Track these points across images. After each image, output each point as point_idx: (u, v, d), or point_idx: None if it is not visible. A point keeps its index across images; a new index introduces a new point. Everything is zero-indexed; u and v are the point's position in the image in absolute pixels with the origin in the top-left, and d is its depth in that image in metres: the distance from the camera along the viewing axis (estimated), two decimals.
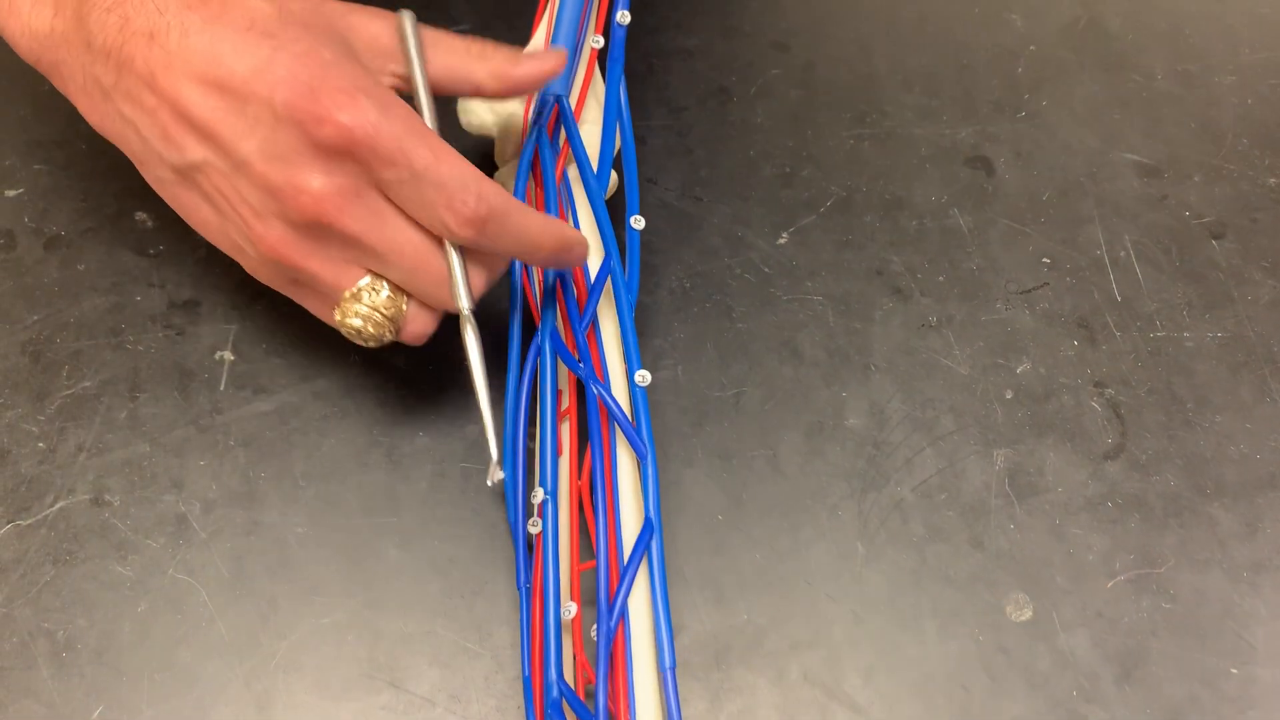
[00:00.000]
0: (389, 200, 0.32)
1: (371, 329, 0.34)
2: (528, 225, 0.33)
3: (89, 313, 0.40)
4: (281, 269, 0.33)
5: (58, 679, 0.34)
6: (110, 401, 0.38)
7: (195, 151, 0.32)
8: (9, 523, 0.36)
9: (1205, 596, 0.36)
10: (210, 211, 0.33)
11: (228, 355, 0.39)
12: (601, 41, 0.41)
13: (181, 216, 0.35)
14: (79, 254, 0.41)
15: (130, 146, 0.33)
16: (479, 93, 0.36)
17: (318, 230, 0.32)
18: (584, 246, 0.35)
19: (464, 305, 0.33)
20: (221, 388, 0.39)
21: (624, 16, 0.41)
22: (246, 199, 0.32)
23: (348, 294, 0.33)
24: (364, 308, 0.33)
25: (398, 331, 0.34)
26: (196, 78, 0.31)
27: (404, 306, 0.34)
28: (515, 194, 0.39)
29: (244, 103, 0.30)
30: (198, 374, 0.39)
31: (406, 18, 0.35)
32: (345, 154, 0.30)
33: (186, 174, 0.32)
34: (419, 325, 0.35)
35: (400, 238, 0.32)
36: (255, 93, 0.30)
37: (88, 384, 0.39)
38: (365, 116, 0.30)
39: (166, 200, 0.35)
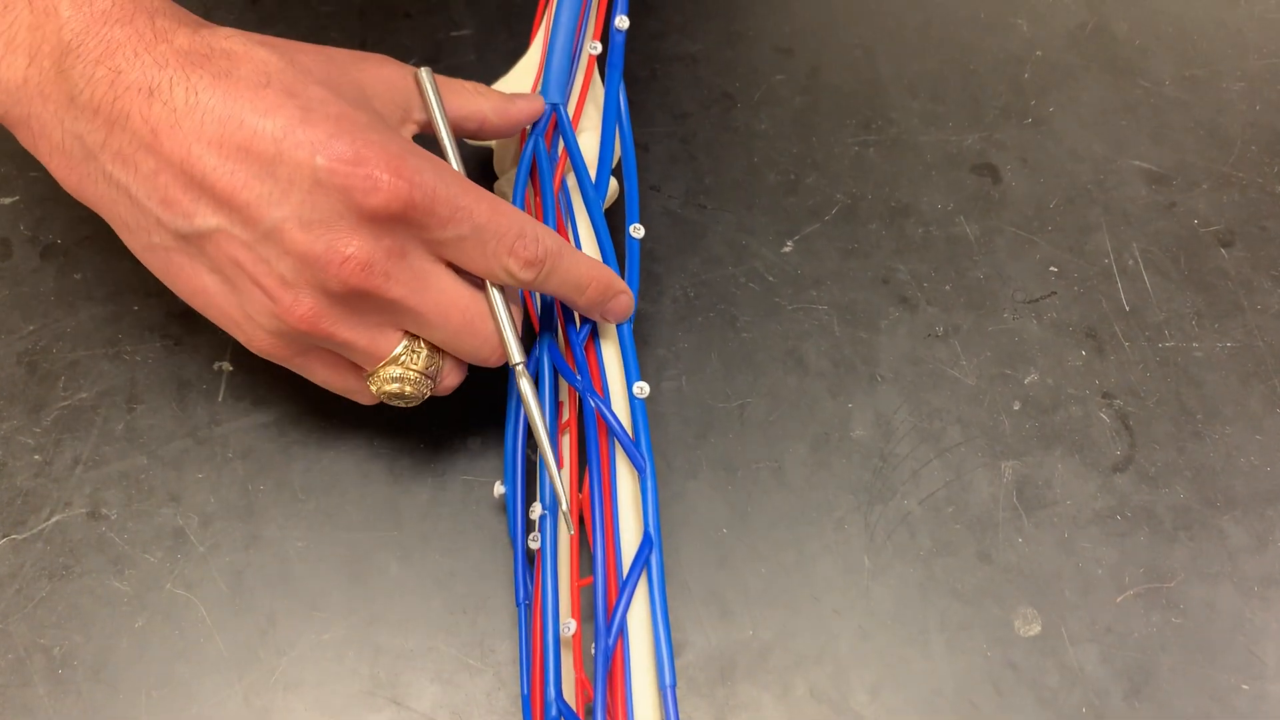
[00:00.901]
0: (434, 257, 0.31)
1: (409, 389, 0.33)
2: (578, 266, 0.33)
3: (86, 322, 0.40)
4: (303, 340, 0.32)
5: (54, 696, 0.33)
6: (107, 413, 0.38)
7: (207, 219, 0.29)
8: (4, 537, 0.36)
9: (1215, 611, 0.36)
10: (214, 281, 0.31)
11: (226, 366, 0.39)
12: (599, 48, 0.40)
13: (169, 284, 0.32)
14: (76, 263, 0.41)
15: (116, 210, 0.31)
16: (484, 127, 0.36)
17: (357, 298, 0.30)
18: (628, 296, 0.35)
19: (517, 359, 0.33)
20: (220, 399, 0.38)
21: (622, 22, 0.40)
22: (274, 269, 0.30)
23: (385, 360, 0.32)
24: (402, 370, 0.32)
25: (433, 389, 0.34)
26: (211, 140, 0.28)
27: (441, 364, 0.33)
28: (514, 203, 0.38)
29: (273, 166, 0.28)
30: (196, 385, 0.39)
31: (424, 74, 0.35)
32: (397, 219, 0.29)
33: (192, 241, 0.30)
34: (454, 379, 0.34)
35: (445, 300, 0.31)
36: (289, 156, 0.28)
37: (84, 395, 0.38)
38: (422, 179, 0.29)
39: (153, 268, 0.32)
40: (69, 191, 0.31)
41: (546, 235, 0.32)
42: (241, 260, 0.30)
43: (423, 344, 0.33)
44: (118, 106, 0.29)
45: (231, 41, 0.30)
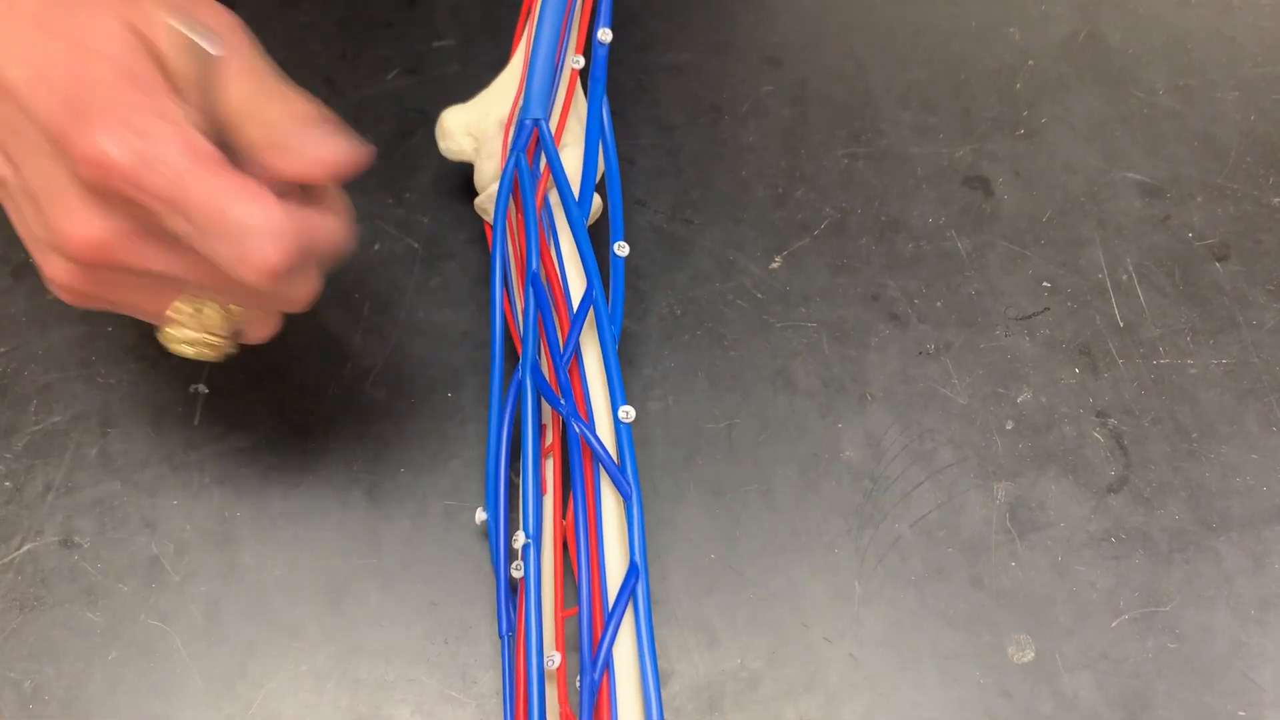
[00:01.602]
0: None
1: (209, 352, 0.30)
2: (330, 230, 0.28)
3: (58, 344, 0.39)
4: (80, 300, 0.29)
5: None
6: (80, 438, 0.37)
7: None
8: None
9: (1211, 635, 0.35)
10: (15, 225, 0.29)
11: (202, 389, 0.38)
12: (582, 62, 0.39)
13: None
14: None
15: None
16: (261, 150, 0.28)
17: (104, 269, 0.27)
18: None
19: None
20: (196, 423, 0.38)
21: (605, 35, 0.39)
22: (31, 229, 0.28)
23: (167, 320, 0.30)
24: (190, 333, 0.30)
25: (239, 343, 0.31)
26: None
27: (238, 318, 0.30)
28: (495, 220, 0.38)
29: (20, 114, 0.26)
30: (171, 408, 0.38)
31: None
32: (115, 195, 0.26)
33: None
34: (265, 330, 0.31)
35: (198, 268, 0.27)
36: (27, 104, 0.26)
37: (57, 419, 0.37)
38: (128, 146, 0.25)
39: None
40: None
41: (285, 229, 0.26)
42: (21, 210, 0.28)
43: (207, 304, 0.30)
44: None
45: None
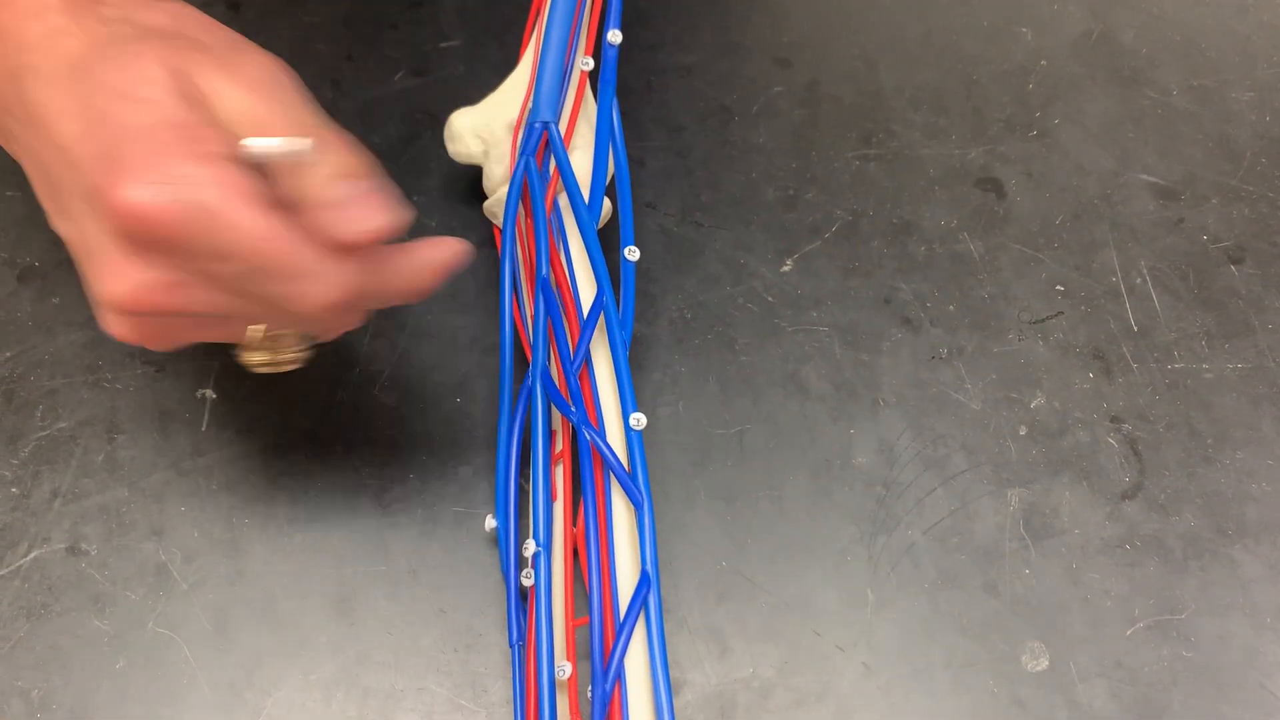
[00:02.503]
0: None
1: (287, 366, 0.31)
2: (402, 271, 0.28)
3: (64, 349, 0.38)
4: (151, 345, 0.29)
5: None
6: (87, 443, 0.37)
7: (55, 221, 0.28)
8: None
9: (1227, 644, 0.35)
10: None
11: (209, 393, 0.38)
12: (591, 63, 0.39)
13: None
14: (54, 286, 0.40)
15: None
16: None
17: (154, 317, 0.27)
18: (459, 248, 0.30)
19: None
20: (203, 428, 0.37)
21: (615, 36, 0.39)
22: (88, 284, 0.27)
23: (239, 344, 0.30)
24: (265, 355, 0.30)
25: (314, 349, 0.31)
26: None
27: (304, 334, 0.31)
28: (505, 224, 0.37)
29: (70, 170, 0.26)
30: (178, 414, 0.37)
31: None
32: (155, 248, 0.25)
33: None
34: (343, 330, 0.31)
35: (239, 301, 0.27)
36: (73, 159, 0.25)
37: (63, 425, 0.37)
38: (164, 194, 0.24)
39: None
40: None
41: (335, 275, 0.26)
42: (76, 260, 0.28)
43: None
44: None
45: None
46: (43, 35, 0.27)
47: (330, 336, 0.31)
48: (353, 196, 0.27)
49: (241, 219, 0.25)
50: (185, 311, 0.27)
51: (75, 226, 0.27)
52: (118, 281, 0.26)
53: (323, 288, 0.26)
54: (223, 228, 0.25)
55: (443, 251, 0.29)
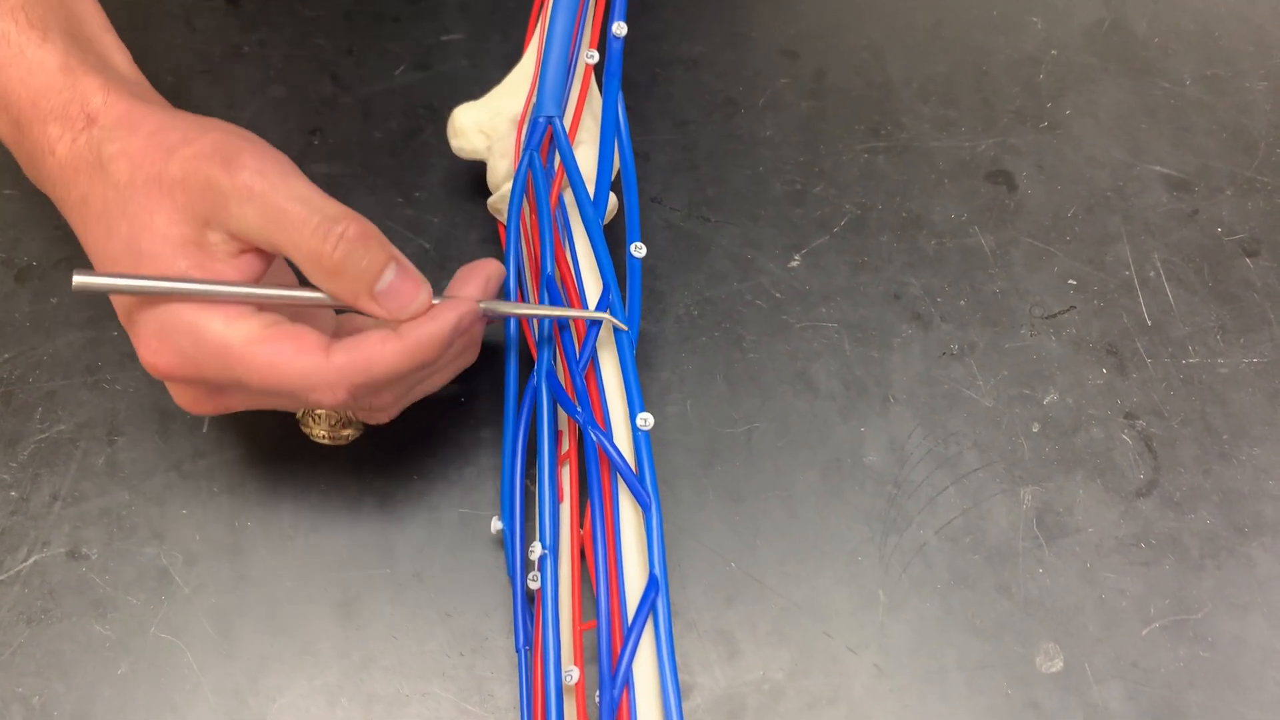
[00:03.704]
0: None
1: (343, 443, 0.35)
2: (385, 382, 0.30)
3: (63, 350, 0.38)
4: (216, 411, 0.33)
5: None
6: (87, 446, 0.36)
7: None
8: None
9: (1244, 643, 0.34)
10: None
11: None
12: (596, 56, 0.38)
13: None
14: (52, 286, 0.39)
15: None
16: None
17: (199, 384, 0.31)
18: (447, 365, 0.34)
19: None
20: (204, 430, 0.37)
21: (620, 28, 0.38)
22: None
23: (299, 417, 0.35)
24: (323, 431, 0.35)
25: (368, 423, 0.35)
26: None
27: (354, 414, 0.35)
28: (509, 221, 0.37)
29: None
30: (179, 415, 0.37)
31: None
32: (185, 380, 0.30)
33: None
34: (385, 419, 0.34)
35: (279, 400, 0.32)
36: None
37: (63, 427, 0.37)
38: (176, 360, 0.30)
39: None
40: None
41: (351, 368, 0.29)
42: None
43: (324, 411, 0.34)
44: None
45: (101, 151, 0.30)
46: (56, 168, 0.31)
47: (381, 420, 0.34)
48: (386, 293, 0.30)
49: (246, 356, 0.29)
50: (224, 410, 0.32)
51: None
52: (149, 354, 0.30)
53: (330, 395, 0.29)
54: (234, 366, 0.29)
55: (442, 318, 0.31)
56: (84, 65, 0.31)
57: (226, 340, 0.29)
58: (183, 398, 0.32)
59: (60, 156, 0.30)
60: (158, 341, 0.29)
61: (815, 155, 0.43)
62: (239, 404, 0.32)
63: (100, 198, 0.30)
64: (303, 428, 0.35)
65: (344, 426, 0.35)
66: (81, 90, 0.31)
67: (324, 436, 0.35)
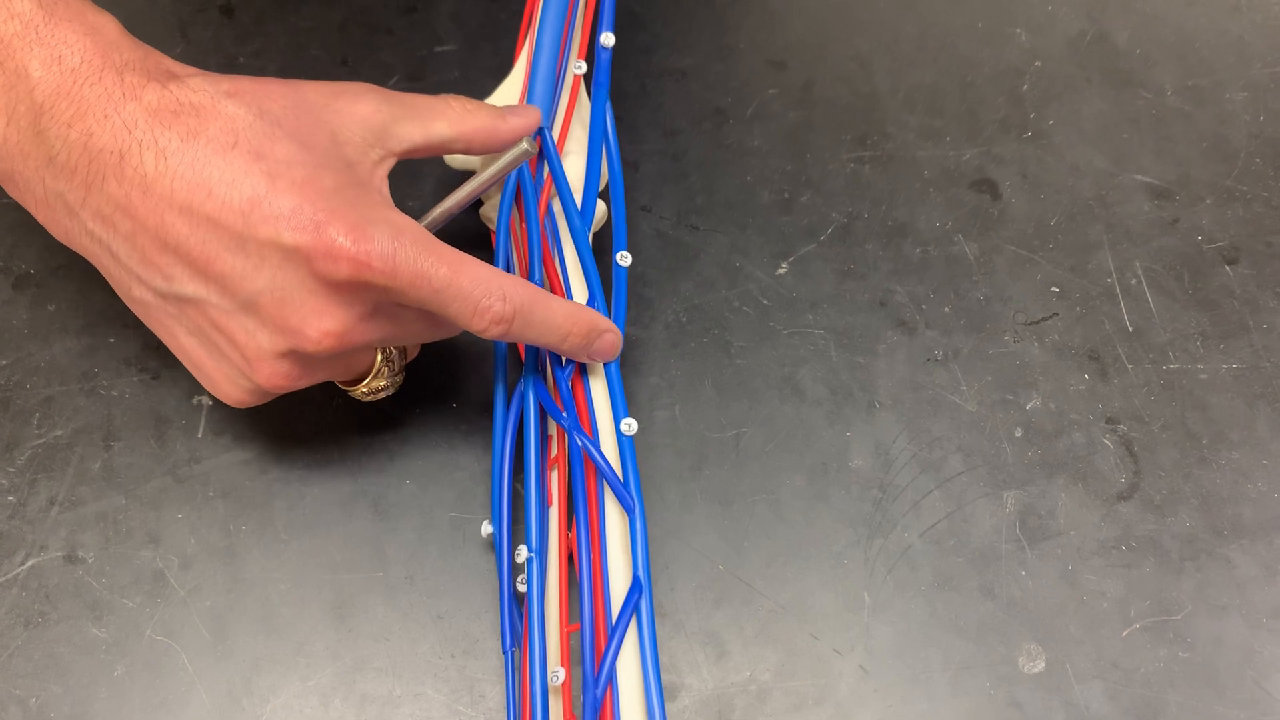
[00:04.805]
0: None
1: (394, 390, 0.36)
2: (554, 316, 0.32)
3: (60, 356, 0.38)
4: (278, 393, 0.33)
5: None
6: (83, 451, 0.37)
7: (185, 286, 0.30)
8: None
9: (1223, 644, 0.35)
10: (194, 343, 0.32)
11: (205, 400, 0.38)
12: (584, 67, 0.39)
13: (160, 338, 0.33)
14: (49, 294, 0.40)
15: (101, 261, 0.31)
16: (471, 149, 0.35)
17: (335, 355, 0.31)
18: (615, 335, 0.34)
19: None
20: (199, 435, 0.37)
21: (608, 39, 0.39)
22: (254, 338, 0.30)
23: (362, 378, 0.34)
24: (376, 382, 0.35)
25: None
26: (182, 208, 0.28)
27: (406, 352, 0.36)
28: (499, 230, 0.37)
29: (243, 240, 0.29)
30: (174, 420, 0.37)
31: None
32: (362, 286, 0.29)
33: (171, 302, 0.31)
34: (416, 350, 0.37)
35: (416, 327, 0.32)
36: (257, 231, 0.28)
37: (59, 433, 0.37)
38: (379, 248, 0.29)
39: (144, 321, 0.32)
40: (60, 241, 0.32)
41: (515, 290, 0.31)
42: (221, 326, 0.30)
43: (393, 350, 0.35)
44: (93, 169, 0.29)
45: (200, 95, 0.29)
46: (143, 113, 0.29)
47: (414, 354, 0.36)
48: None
49: (426, 255, 0.30)
50: (373, 341, 0.31)
51: (264, 274, 0.29)
52: (325, 320, 0.30)
53: (500, 303, 0.31)
54: (415, 265, 0.29)
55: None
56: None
57: (418, 228, 0.30)
58: (341, 326, 0.30)
59: (149, 102, 0.29)
60: (361, 234, 0.29)
61: (803, 164, 0.44)
62: (384, 332, 0.31)
63: (227, 128, 0.29)
64: (361, 386, 0.34)
65: (398, 373, 0.35)
66: (154, 53, 0.30)
67: (389, 387, 0.35)
